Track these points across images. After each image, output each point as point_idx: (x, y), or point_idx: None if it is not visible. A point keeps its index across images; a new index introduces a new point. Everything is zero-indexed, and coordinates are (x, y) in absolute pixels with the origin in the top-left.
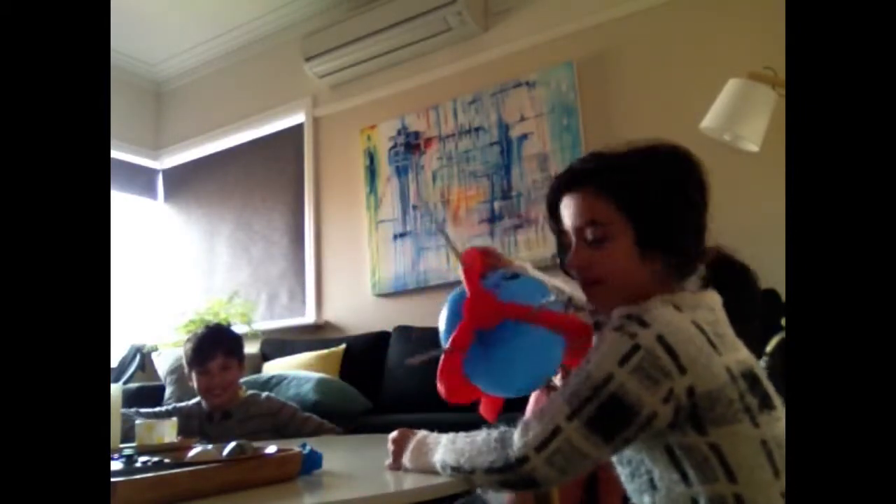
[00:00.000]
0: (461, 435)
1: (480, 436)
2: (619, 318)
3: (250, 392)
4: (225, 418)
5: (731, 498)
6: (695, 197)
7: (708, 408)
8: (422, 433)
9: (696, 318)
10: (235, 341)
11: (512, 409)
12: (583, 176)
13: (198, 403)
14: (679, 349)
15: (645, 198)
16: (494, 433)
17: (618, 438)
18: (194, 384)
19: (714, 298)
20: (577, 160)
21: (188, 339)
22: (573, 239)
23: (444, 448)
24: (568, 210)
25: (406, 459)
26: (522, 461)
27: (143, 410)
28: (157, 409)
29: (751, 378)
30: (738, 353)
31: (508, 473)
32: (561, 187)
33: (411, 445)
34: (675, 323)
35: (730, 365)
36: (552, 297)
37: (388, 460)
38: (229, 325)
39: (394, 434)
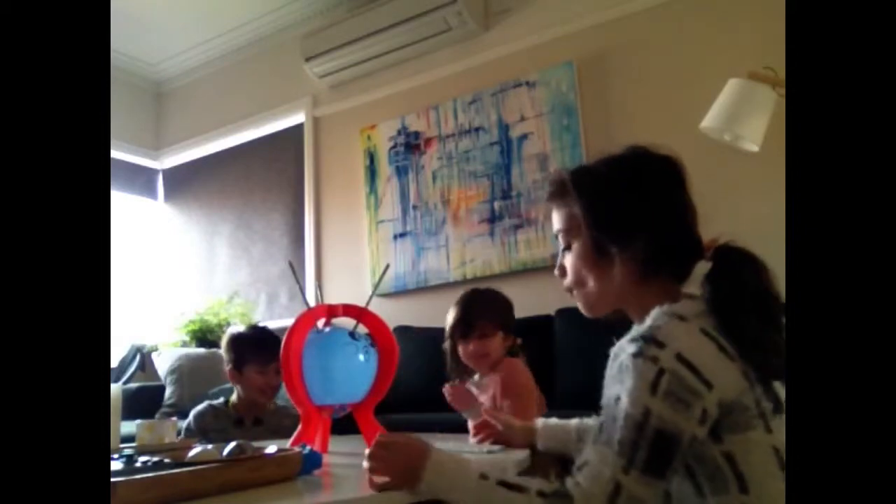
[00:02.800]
0: (492, 483)
1: (521, 501)
2: (632, 342)
3: (281, 402)
4: (256, 425)
5: None
6: (651, 189)
7: (726, 415)
8: (434, 455)
9: (704, 326)
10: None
11: None
12: (556, 188)
13: (226, 403)
14: (699, 364)
15: (595, 197)
16: (537, 500)
17: (669, 472)
18: (242, 379)
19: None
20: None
21: (246, 334)
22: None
23: (480, 500)
24: (553, 220)
25: (423, 484)
26: None
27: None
28: (199, 407)
29: (764, 381)
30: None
31: None
32: (549, 198)
33: (427, 469)
34: (687, 336)
35: (746, 369)
36: None
37: (368, 476)
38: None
39: (375, 445)
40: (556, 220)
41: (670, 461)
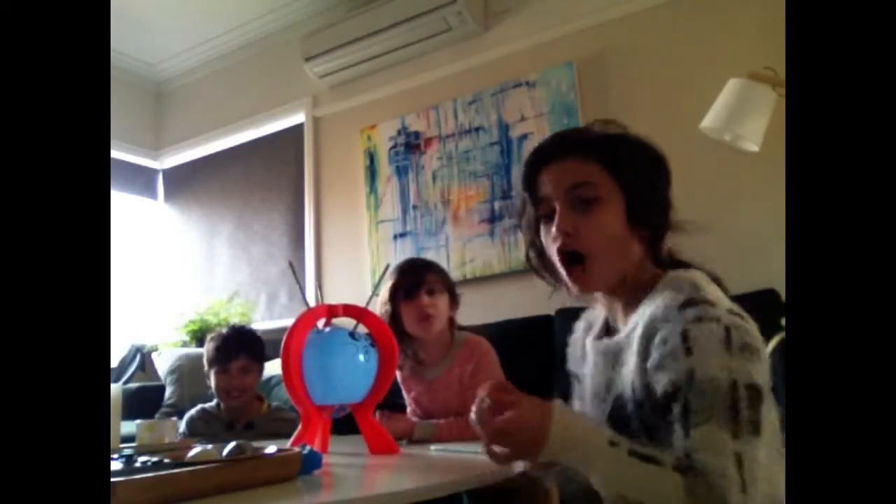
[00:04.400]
0: (622, 452)
1: (663, 478)
2: (678, 309)
3: (275, 404)
4: (247, 429)
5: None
6: (669, 182)
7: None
8: (557, 418)
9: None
10: (259, 345)
11: None
12: (571, 143)
13: (218, 406)
14: (747, 317)
15: (636, 170)
16: (675, 476)
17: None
18: (212, 383)
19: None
20: (550, 136)
21: (211, 338)
22: (557, 208)
23: (616, 472)
24: (552, 176)
25: (546, 451)
26: None
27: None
28: (192, 412)
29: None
30: None
31: None
32: (546, 157)
33: (552, 435)
34: (722, 295)
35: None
36: None
37: (485, 447)
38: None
39: (486, 399)
40: (572, 174)
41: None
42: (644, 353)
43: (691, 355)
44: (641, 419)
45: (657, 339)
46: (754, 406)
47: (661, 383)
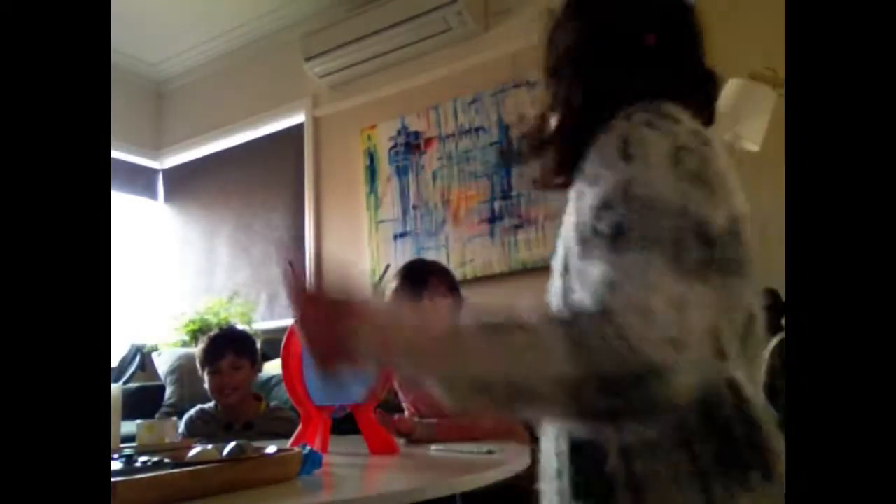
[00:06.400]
0: (472, 331)
1: (519, 336)
2: (624, 116)
3: (273, 404)
4: (246, 429)
5: (724, 385)
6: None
7: (722, 247)
8: (377, 312)
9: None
10: (247, 342)
11: None
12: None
13: (216, 406)
14: (721, 164)
15: None
16: (556, 328)
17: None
18: (207, 386)
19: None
20: None
21: (200, 341)
22: None
23: (461, 366)
24: None
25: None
26: (664, 367)
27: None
28: (190, 412)
29: (743, 234)
30: (741, 200)
31: (639, 390)
32: None
33: (365, 329)
34: (708, 133)
35: (741, 202)
36: None
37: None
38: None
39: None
40: None
41: (711, 263)
42: (577, 197)
43: (631, 162)
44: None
45: (590, 155)
46: (708, 248)
47: (587, 205)
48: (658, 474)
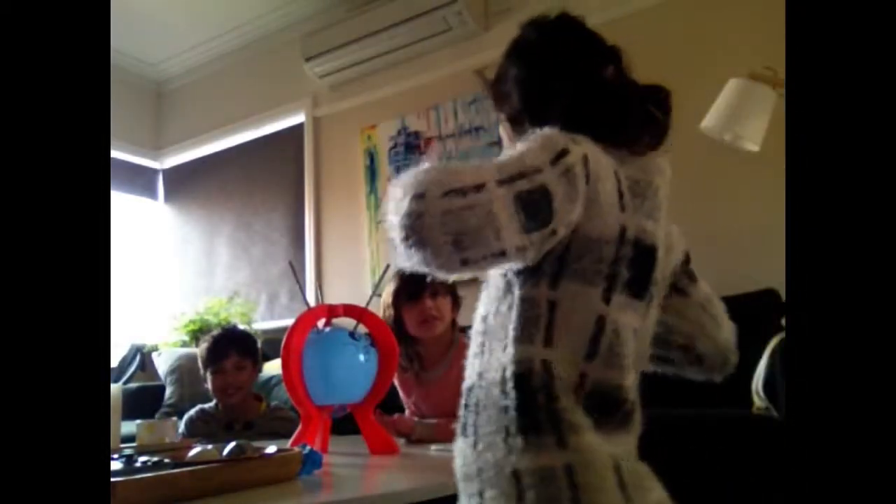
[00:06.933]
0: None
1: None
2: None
3: (274, 404)
4: (246, 428)
5: (539, 363)
6: None
7: (577, 256)
8: None
9: (619, 169)
10: (250, 341)
11: None
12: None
13: (216, 406)
14: (593, 175)
15: None
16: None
17: (535, 235)
18: (209, 386)
19: (661, 164)
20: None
21: (203, 341)
22: None
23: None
24: None
25: None
26: (420, 197)
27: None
28: (190, 412)
29: (642, 254)
30: (649, 224)
31: (400, 206)
32: None
33: None
34: (595, 151)
35: (627, 225)
36: None
37: None
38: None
39: None
40: None
41: (540, 224)
42: None
43: (527, 143)
44: None
45: None
46: (537, 203)
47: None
48: (486, 422)
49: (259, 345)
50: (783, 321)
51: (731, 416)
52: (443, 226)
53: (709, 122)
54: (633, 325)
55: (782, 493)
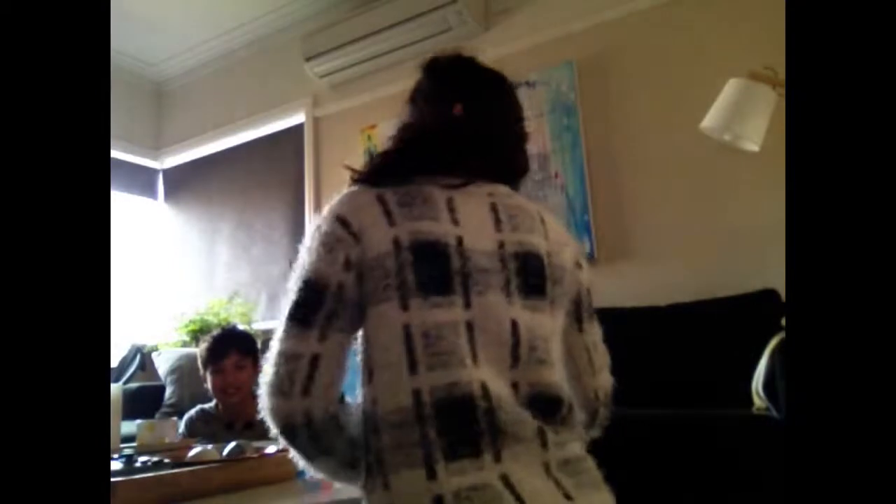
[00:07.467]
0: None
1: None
2: None
3: None
4: (246, 429)
5: (370, 403)
6: None
7: (368, 279)
8: None
9: (384, 192)
10: (250, 341)
11: None
12: None
13: (216, 407)
14: (351, 219)
15: None
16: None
17: (315, 321)
18: (209, 386)
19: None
20: None
21: (203, 340)
22: None
23: None
24: None
25: None
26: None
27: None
28: (190, 413)
29: (425, 253)
30: (423, 225)
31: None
32: None
33: None
34: (352, 197)
35: (400, 235)
36: None
37: None
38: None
39: None
40: None
41: (314, 310)
42: None
43: None
44: None
45: None
46: (305, 299)
47: None
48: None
49: (259, 345)
50: (783, 321)
51: (731, 416)
52: (277, 390)
53: (709, 122)
54: (453, 318)
55: (782, 493)
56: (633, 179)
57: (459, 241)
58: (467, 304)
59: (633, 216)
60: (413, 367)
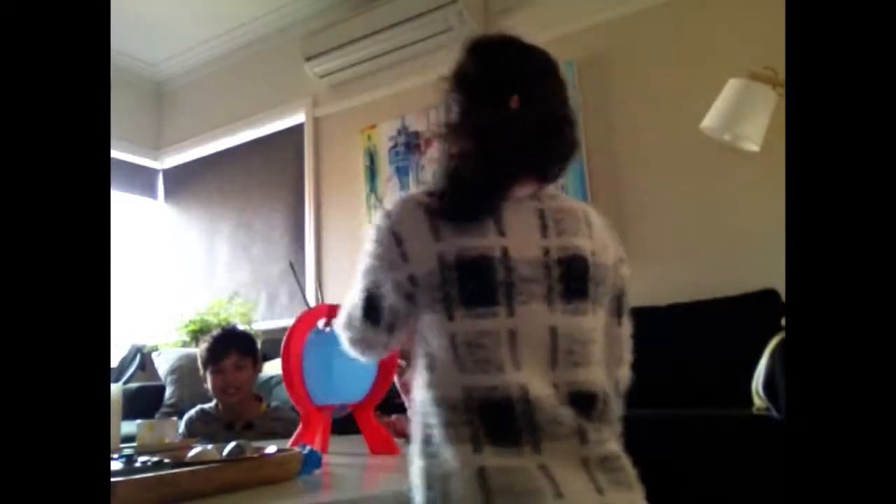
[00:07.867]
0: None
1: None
2: None
3: (274, 404)
4: (246, 429)
5: (428, 387)
6: None
7: (417, 294)
8: None
9: (430, 202)
10: (250, 341)
11: None
12: None
13: (216, 407)
14: (404, 234)
15: None
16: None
17: (382, 322)
18: (209, 386)
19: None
20: None
21: (203, 341)
22: None
23: None
24: None
25: None
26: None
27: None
28: (190, 413)
29: (469, 269)
30: (468, 241)
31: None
32: None
33: None
34: (404, 206)
35: (445, 251)
36: None
37: None
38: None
39: None
40: None
41: (378, 318)
42: None
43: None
44: None
45: None
46: (372, 305)
47: None
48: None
49: (259, 345)
50: (783, 321)
51: (731, 416)
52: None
53: (709, 122)
54: (496, 328)
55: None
56: (633, 179)
57: (505, 252)
58: (511, 313)
59: (633, 216)
60: (462, 368)
